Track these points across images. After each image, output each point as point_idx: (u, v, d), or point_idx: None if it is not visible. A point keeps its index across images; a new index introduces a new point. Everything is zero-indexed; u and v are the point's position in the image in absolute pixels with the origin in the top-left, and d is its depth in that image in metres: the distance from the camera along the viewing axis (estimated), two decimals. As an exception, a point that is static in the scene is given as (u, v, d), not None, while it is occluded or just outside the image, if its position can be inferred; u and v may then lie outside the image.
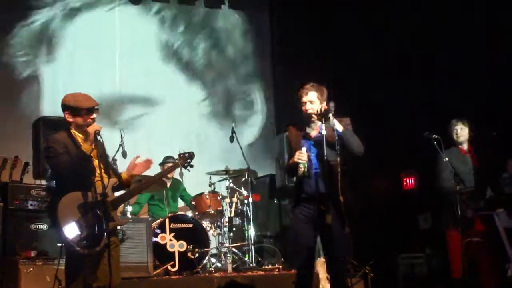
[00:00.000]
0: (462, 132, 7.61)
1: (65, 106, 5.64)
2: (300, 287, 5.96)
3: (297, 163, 5.75)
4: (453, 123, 7.62)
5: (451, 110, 8.17)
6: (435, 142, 7.20)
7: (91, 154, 5.56)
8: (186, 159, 6.57)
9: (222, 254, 8.53)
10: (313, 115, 5.84)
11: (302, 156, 5.73)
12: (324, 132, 5.68)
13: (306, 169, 5.74)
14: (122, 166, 6.38)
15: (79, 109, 5.60)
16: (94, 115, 5.65)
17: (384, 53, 9.66)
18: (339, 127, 5.71)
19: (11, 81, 9.79)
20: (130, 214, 8.23)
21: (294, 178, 6.06)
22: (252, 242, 8.68)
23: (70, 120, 5.62)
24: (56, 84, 9.84)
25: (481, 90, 8.56)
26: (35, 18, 9.97)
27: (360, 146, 5.81)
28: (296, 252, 6.04)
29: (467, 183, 7.17)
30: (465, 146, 7.63)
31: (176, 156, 6.87)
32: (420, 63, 9.15)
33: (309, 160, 5.77)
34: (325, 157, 5.67)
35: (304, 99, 5.87)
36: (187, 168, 6.64)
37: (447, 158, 7.21)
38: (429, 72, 9.08)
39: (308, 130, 5.93)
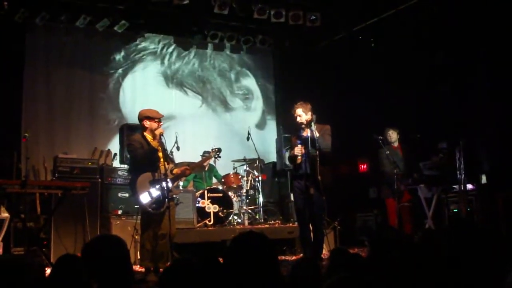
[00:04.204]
0: (392, 135, 7.73)
1: (144, 116, 5.72)
2: (301, 235, 6.07)
3: (296, 155, 5.85)
4: (386, 129, 7.74)
5: (390, 119, 8.22)
6: (380, 141, 7.26)
7: (158, 148, 5.66)
8: (216, 152, 6.67)
9: (241, 214, 8.50)
10: (302, 124, 5.94)
11: (299, 150, 5.83)
12: (309, 135, 5.79)
13: (301, 159, 5.85)
14: (176, 156, 6.41)
15: (154, 118, 5.70)
16: (162, 122, 5.77)
17: (349, 83, 9.57)
18: (316, 133, 5.80)
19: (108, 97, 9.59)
20: (182, 187, 8.22)
21: (291, 164, 6.19)
22: (261, 206, 8.67)
23: (147, 126, 5.70)
24: (131, 102, 9.66)
25: (411, 105, 8.54)
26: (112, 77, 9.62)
27: (327, 146, 5.90)
28: (296, 213, 6.20)
29: (400, 168, 7.23)
30: (395, 144, 7.74)
31: (210, 150, 7.00)
32: (374, 88, 9.08)
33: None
34: (310, 151, 5.77)
35: (295, 114, 5.98)
36: (217, 158, 6.79)
37: (388, 152, 7.26)
38: (378, 98, 9.01)
39: (300, 133, 6.01)
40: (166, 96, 10.05)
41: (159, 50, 10.16)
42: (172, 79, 10.23)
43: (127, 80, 9.76)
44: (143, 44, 9.97)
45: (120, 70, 9.70)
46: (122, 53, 9.73)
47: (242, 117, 10.69)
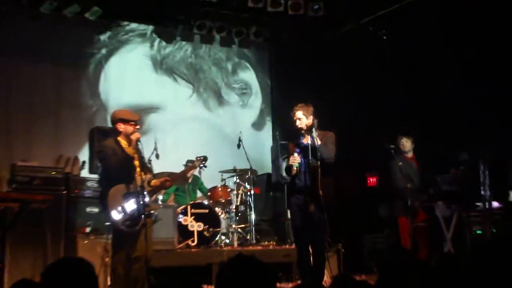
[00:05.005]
0: (406, 144, 7.76)
1: (117, 119, 5.71)
2: (299, 258, 6.06)
3: (291, 165, 5.85)
4: (399, 137, 7.76)
5: (401, 127, 8.24)
6: (392, 151, 7.27)
7: (133, 156, 5.64)
8: (201, 161, 6.65)
9: (230, 233, 8.48)
10: (302, 130, 5.96)
11: (294, 160, 5.84)
12: (309, 142, 5.80)
13: (298, 169, 5.84)
14: (155, 165, 6.39)
15: (130, 120, 5.69)
16: (138, 126, 5.75)
17: (354, 87, 9.59)
18: (318, 141, 5.80)
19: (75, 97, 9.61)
20: (161, 201, 8.20)
21: (289, 177, 6.18)
22: (253, 224, 8.65)
23: (121, 129, 5.69)
24: (109, 97, 9.72)
25: (428, 109, 8.56)
26: (91, 59, 9.75)
27: (329, 156, 5.89)
28: (293, 233, 6.21)
29: (414, 182, 7.24)
30: (409, 154, 7.76)
31: (194, 159, 6.98)
32: (380, 94, 9.11)
33: (300, 162, 5.86)
34: (310, 162, 5.78)
35: (294, 117, 5.98)
36: (202, 168, 6.76)
37: (401, 163, 7.27)
38: (386, 100, 9.03)
39: (300, 139, 6.02)
40: (153, 82, 10.23)
41: (149, 32, 10.30)
42: (161, 65, 10.40)
43: (109, 62, 9.87)
44: (132, 25, 10.12)
45: (103, 51, 9.85)
46: (108, 33, 9.88)
47: (237, 114, 10.78)
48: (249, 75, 11.13)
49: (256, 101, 11.16)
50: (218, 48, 10.78)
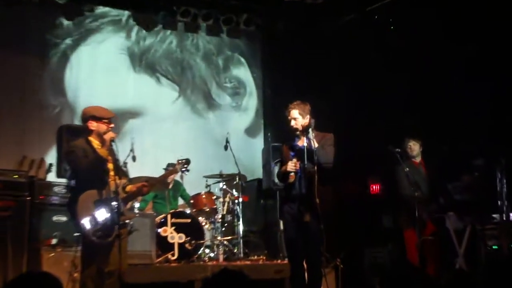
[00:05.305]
0: (414, 147, 7.80)
1: (89, 116, 5.69)
2: (293, 275, 6.06)
3: (289, 172, 5.85)
4: (406, 140, 7.78)
5: (408, 128, 8.26)
6: (398, 155, 7.28)
7: (107, 158, 5.62)
8: (183, 165, 6.62)
9: (215, 246, 8.45)
10: (297, 130, 5.96)
11: (294, 166, 5.82)
12: (305, 145, 5.80)
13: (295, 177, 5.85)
14: (131, 168, 6.38)
15: (102, 118, 5.67)
16: (112, 124, 5.73)
17: (355, 83, 9.60)
18: (315, 143, 5.80)
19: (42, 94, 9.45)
20: (138, 209, 8.16)
21: (282, 183, 6.17)
22: (241, 236, 8.62)
23: (93, 128, 5.67)
24: (77, 97, 9.54)
25: (433, 110, 8.58)
26: (54, 50, 9.52)
27: (327, 161, 5.89)
28: (286, 247, 6.20)
29: (423, 190, 7.26)
30: (417, 159, 7.79)
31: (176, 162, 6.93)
32: (385, 91, 9.12)
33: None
34: (306, 166, 5.78)
35: (289, 117, 5.99)
36: (184, 172, 6.73)
37: (408, 169, 7.29)
38: (391, 97, 9.04)
39: (295, 142, 6.02)
40: (130, 82, 10.01)
41: (124, 18, 10.00)
42: (141, 60, 10.17)
43: (76, 55, 9.65)
44: (102, 9, 9.79)
45: (68, 40, 9.57)
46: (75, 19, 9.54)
47: (229, 118, 10.70)
48: (242, 72, 11.06)
49: (251, 102, 11.10)
50: (207, 39, 10.65)
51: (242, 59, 11.03)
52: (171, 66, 10.39)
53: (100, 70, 9.73)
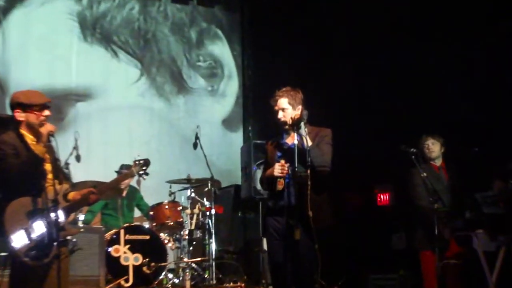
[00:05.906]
0: (434, 147, 7.75)
1: (15, 104, 5.62)
2: None
3: (275, 177, 5.79)
4: (424, 137, 7.73)
5: (425, 122, 8.29)
6: (412, 156, 7.27)
7: (44, 157, 5.56)
8: (141, 167, 6.57)
9: (180, 270, 8.50)
10: (285, 124, 5.91)
11: (282, 170, 5.76)
12: (296, 143, 5.74)
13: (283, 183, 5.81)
14: (75, 171, 6.34)
15: (31, 105, 5.59)
16: (47, 112, 5.64)
17: (362, 65, 9.63)
18: (308, 140, 5.74)
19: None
20: (82, 223, 8.13)
21: (266, 191, 6.14)
22: (213, 257, 8.62)
23: (21, 118, 5.59)
24: (7, 73, 9.50)
25: (456, 105, 8.62)
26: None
27: (324, 163, 5.84)
28: (271, 271, 6.18)
29: (444, 201, 7.27)
30: (437, 162, 7.77)
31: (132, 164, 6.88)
32: (403, 68, 9.15)
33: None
34: (296, 170, 5.74)
35: (276, 107, 5.94)
36: (142, 176, 6.67)
37: (425, 174, 7.28)
38: (404, 87, 9.07)
39: (283, 139, 5.99)
40: (80, 56, 10.01)
41: None
42: (94, 29, 10.21)
43: (8, 20, 9.63)
44: None
45: None
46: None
47: (202, 105, 10.72)
48: (220, 48, 11.12)
49: (230, 86, 11.15)
50: (177, 6, 10.68)
51: (220, 33, 11.08)
52: (131, 38, 10.46)
53: (38, 40, 9.73)
